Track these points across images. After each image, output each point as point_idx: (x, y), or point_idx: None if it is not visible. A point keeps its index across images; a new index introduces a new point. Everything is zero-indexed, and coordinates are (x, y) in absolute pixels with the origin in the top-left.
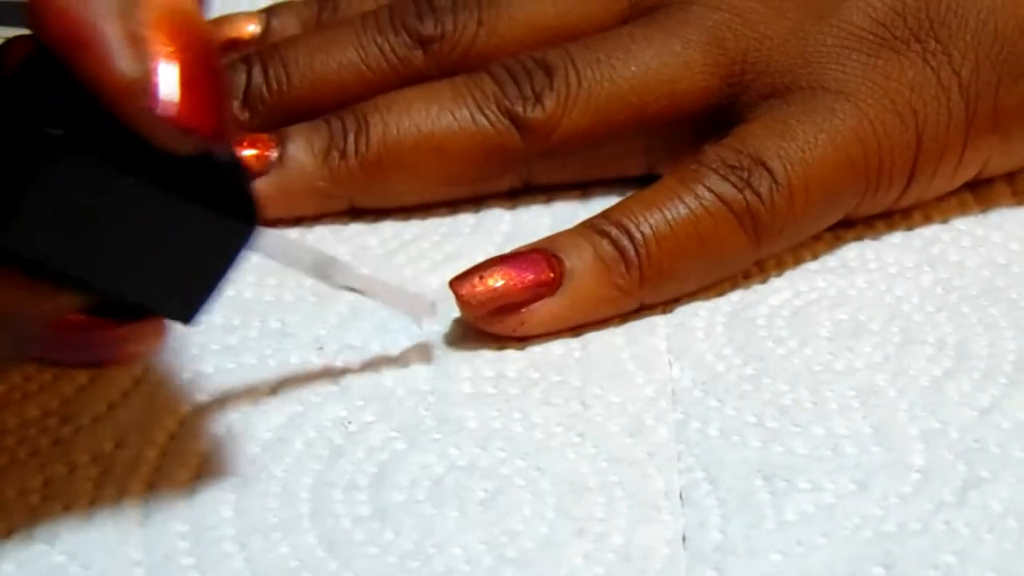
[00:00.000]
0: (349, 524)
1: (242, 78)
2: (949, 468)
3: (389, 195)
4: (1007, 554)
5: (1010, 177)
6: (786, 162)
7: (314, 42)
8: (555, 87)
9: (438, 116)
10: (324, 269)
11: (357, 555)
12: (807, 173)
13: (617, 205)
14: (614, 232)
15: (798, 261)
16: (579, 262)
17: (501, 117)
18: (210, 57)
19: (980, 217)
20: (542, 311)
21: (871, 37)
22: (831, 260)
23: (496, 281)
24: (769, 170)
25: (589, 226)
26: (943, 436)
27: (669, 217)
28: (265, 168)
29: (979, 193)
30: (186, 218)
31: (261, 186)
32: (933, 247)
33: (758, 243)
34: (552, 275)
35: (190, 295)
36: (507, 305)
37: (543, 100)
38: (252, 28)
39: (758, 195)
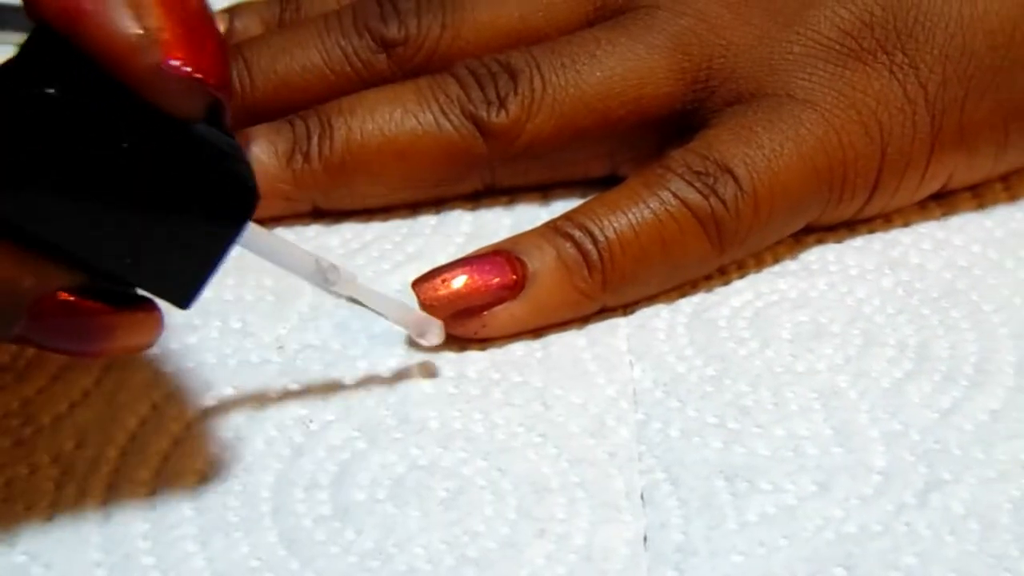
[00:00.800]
0: (310, 523)
1: None
2: (910, 470)
3: (352, 198)
4: (968, 555)
5: None
6: (752, 170)
7: (277, 43)
8: (519, 92)
9: (402, 120)
10: (324, 276)
11: (318, 554)
12: (772, 181)
13: (581, 207)
14: (577, 234)
15: (759, 263)
16: (542, 265)
17: (465, 121)
18: (207, 11)
19: (941, 220)
20: (504, 314)
21: (838, 47)
22: (792, 262)
23: (458, 284)
24: (735, 177)
25: (552, 228)
26: (904, 438)
27: (633, 221)
28: None
29: (940, 196)
30: (183, 198)
31: None
32: (894, 250)
33: (721, 250)
34: (515, 278)
35: (185, 278)
36: (469, 307)
37: (507, 105)
38: None
39: (723, 202)
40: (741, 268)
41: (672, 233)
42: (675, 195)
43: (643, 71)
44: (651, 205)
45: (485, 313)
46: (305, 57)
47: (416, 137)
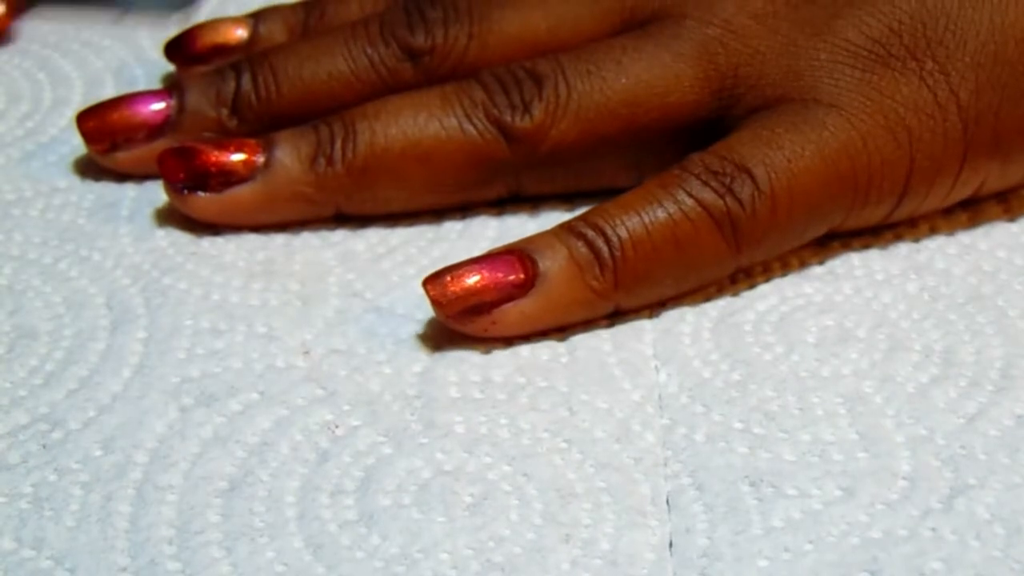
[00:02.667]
0: (336, 529)
1: (231, 85)
2: (936, 475)
3: (376, 202)
4: (994, 561)
5: None
6: (770, 170)
7: (304, 51)
8: (544, 97)
9: (426, 124)
10: None
11: (344, 559)
12: (791, 183)
13: (595, 208)
14: (590, 234)
15: (785, 267)
16: (553, 263)
17: (489, 126)
18: None
19: (967, 225)
20: (514, 311)
21: (865, 53)
22: (818, 267)
23: (467, 280)
24: (752, 177)
25: (566, 228)
26: (929, 443)
27: (646, 220)
28: (252, 173)
29: (966, 202)
30: None
31: (248, 192)
32: (919, 254)
33: (738, 250)
34: (524, 276)
35: None
36: (479, 305)
37: (532, 110)
38: (240, 33)
39: (739, 201)
40: (766, 272)
41: (686, 232)
42: (690, 194)
43: (669, 79)
44: (665, 204)
45: (495, 311)
46: (331, 64)
47: (440, 141)
